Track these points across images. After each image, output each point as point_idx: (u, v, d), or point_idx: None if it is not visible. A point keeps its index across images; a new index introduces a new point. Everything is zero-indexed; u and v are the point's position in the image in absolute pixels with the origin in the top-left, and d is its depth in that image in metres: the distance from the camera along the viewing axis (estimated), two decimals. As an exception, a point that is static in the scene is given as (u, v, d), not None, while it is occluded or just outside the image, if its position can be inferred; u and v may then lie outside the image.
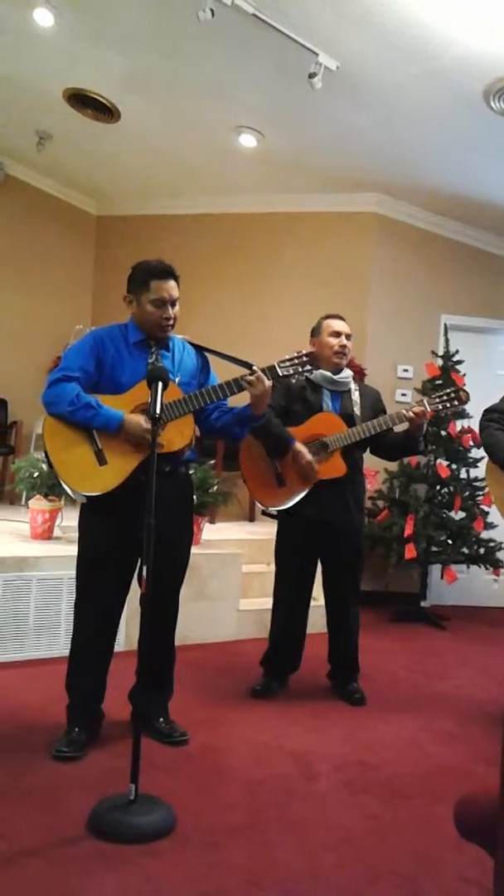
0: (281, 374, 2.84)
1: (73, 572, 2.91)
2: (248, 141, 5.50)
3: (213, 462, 5.13)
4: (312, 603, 3.66)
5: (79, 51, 4.76)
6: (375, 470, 5.04)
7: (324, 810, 2.44)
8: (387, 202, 6.23)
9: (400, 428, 3.49)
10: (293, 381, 3.29)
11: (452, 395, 3.47)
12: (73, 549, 2.94)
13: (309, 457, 3.37)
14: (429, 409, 3.40)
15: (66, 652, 2.92)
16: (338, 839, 2.25)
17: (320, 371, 3.48)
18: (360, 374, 5.73)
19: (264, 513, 3.64)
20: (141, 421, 2.67)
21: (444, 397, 3.46)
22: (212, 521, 5.50)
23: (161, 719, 2.92)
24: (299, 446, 3.38)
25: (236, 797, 2.49)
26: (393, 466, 5.51)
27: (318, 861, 2.12)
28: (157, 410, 2.43)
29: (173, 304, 2.78)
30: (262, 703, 3.44)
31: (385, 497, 5.69)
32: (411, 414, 3.35)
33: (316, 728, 3.17)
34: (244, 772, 2.69)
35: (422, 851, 2.21)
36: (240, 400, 2.89)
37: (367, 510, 5.33)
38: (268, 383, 2.79)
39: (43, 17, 4.41)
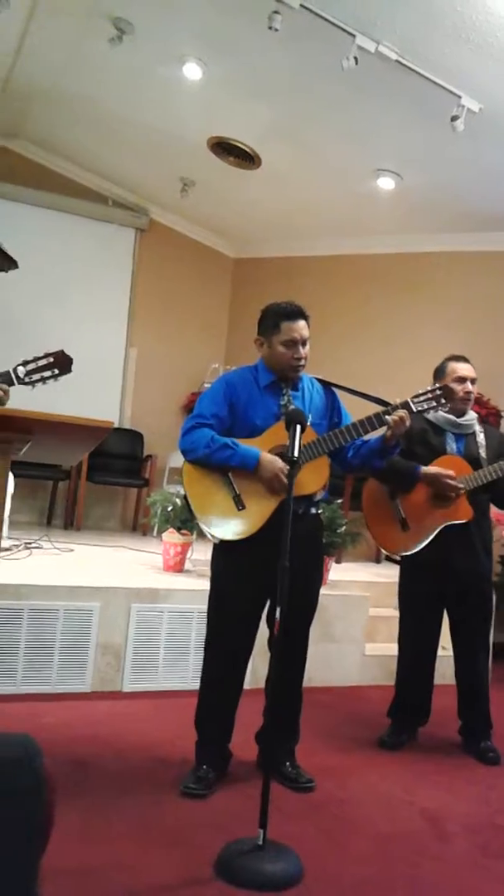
0: (415, 410, 2.82)
1: (202, 606, 2.95)
2: (386, 184, 5.53)
3: (340, 501, 5.09)
4: (441, 652, 3.54)
5: (223, 101, 4.96)
6: (507, 514, 4.84)
7: (457, 874, 2.33)
8: (527, 240, 6.08)
9: None
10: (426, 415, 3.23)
11: None
12: (202, 583, 2.99)
13: (445, 471, 3.28)
14: None
15: (193, 684, 2.95)
16: (472, 908, 2.15)
17: (442, 413, 3.39)
18: (495, 417, 5.56)
19: (388, 559, 3.56)
20: (277, 460, 2.69)
21: None
22: (338, 562, 5.45)
23: (287, 764, 2.89)
24: (429, 468, 3.30)
25: (365, 851, 2.42)
26: (528, 511, 5.28)
27: (451, 929, 2.03)
28: (296, 453, 2.45)
29: (304, 344, 2.80)
30: (389, 754, 3.34)
31: (519, 544, 5.46)
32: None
33: (447, 785, 3.04)
34: (373, 825, 2.61)
35: None
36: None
37: (500, 557, 5.13)
38: (408, 422, 2.78)
39: (192, 71, 4.64)
